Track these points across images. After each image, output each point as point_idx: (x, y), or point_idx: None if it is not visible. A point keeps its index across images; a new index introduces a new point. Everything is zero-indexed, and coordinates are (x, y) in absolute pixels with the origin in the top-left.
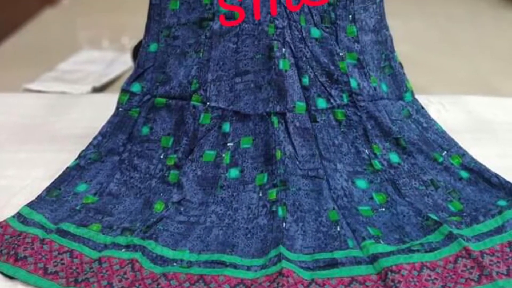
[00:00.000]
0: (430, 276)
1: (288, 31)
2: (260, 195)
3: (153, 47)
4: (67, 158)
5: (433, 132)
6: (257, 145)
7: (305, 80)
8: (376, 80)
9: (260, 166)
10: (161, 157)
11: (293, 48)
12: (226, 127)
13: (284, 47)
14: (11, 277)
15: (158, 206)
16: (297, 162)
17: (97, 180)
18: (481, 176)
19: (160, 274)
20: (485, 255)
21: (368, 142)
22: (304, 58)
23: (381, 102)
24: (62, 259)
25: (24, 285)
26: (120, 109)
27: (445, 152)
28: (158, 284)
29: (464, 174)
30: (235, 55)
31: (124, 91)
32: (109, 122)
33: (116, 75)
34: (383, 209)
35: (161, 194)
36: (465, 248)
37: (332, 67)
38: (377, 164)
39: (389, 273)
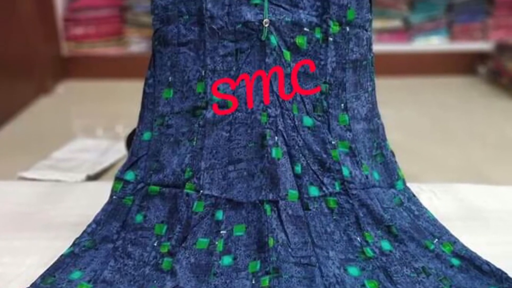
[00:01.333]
0: None
1: (281, 120)
2: (253, 282)
3: (146, 135)
4: (62, 245)
5: (424, 220)
6: (250, 233)
7: (298, 168)
8: (368, 168)
9: (253, 254)
10: (155, 244)
11: (285, 136)
12: (219, 215)
13: (276, 136)
14: None
15: None
16: (290, 250)
17: (91, 268)
18: (472, 263)
19: None
20: None
21: (360, 229)
22: (297, 147)
23: (373, 190)
24: None
25: None
26: (114, 197)
27: (436, 239)
28: None
29: (455, 261)
30: (228, 143)
31: (118, 179)
32: (103, 210)
33: (110, 163)
34: None
35: (155, 282)
36: None
37: (325, 156)
38: (369, 251)
39: None
